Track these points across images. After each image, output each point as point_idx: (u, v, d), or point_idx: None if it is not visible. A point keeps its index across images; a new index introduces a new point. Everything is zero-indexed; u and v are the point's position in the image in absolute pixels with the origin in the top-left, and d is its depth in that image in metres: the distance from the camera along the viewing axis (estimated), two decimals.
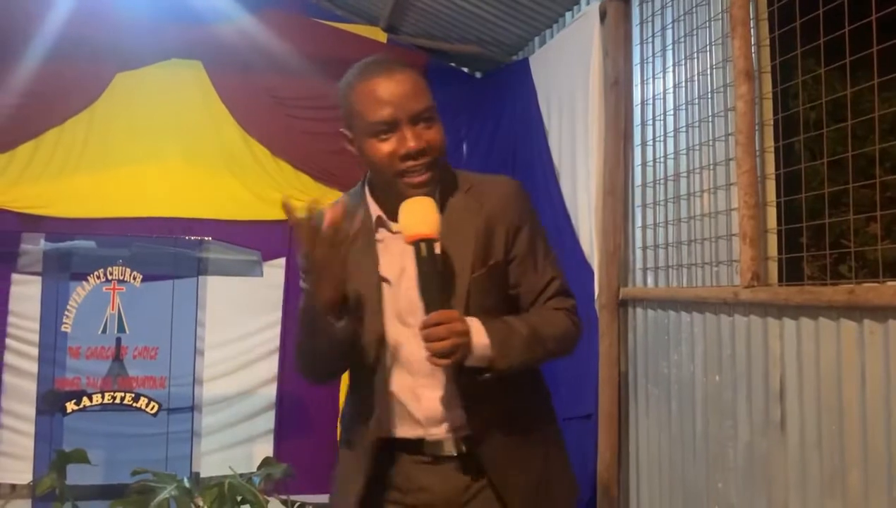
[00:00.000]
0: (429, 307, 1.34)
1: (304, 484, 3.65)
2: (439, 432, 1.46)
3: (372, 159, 1.40)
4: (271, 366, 4.24)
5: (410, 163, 1.37)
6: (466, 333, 1.33)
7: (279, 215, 4.54)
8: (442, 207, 1.43)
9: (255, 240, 4.06)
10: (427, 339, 1.31)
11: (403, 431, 1.47)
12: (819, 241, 2.23)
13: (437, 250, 1.38)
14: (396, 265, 1.46)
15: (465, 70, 4.74)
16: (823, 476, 2.03)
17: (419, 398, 1.45)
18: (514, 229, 1.48)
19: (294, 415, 4.18)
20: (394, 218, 1.45)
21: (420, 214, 1.35)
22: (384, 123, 1.37)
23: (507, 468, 1.47)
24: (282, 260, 4.28)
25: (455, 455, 1.46)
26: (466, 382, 1.42)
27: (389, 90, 1.37)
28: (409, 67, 1.43)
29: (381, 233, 1.49)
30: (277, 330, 4.26)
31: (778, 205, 2.32)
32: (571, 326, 1.52)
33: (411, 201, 1.37)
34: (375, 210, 1.50)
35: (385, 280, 1.46)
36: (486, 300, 1.44)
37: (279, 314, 4.26)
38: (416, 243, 1.34)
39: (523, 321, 1.44)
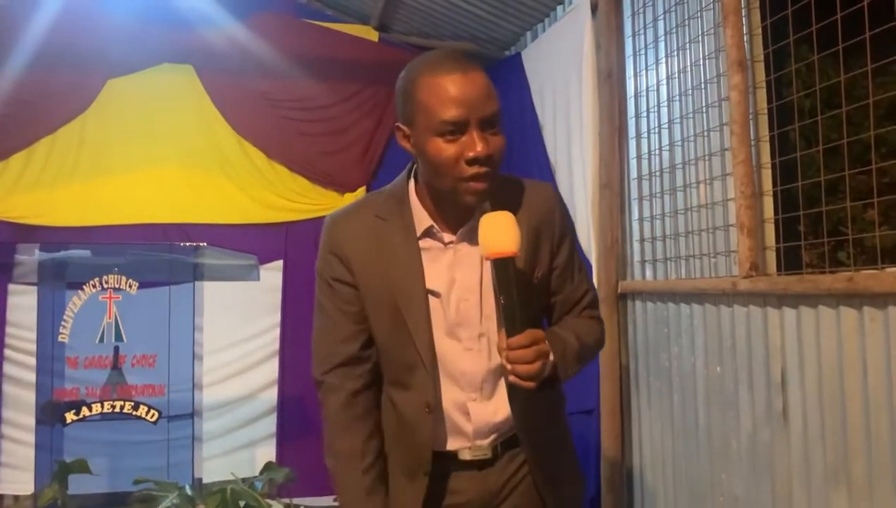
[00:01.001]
0: (511, 328, 1.27)
1: (306, 488, 3.65)
2: (484, 442, 1.46)
3: (434, 160, 1.30)
4: (272, 370, 4.23)
5: (476, 169, 1.27)
6: (549, 354, 1.32)
7: (276, 218, 4.56)
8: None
9: (251, 243, 4.06)
10: (514, 361, 1.26)
11: (452, 445, 1.45)
12: (817, 229, 2.22)
13: (440, 245, 1.40)
14: (445, 276, 1.40)
15: None
16: (827, 465, 2.02)
17: (469, 412, 1.44)
18: (558, 239, 1.48)
19: (296, 418, 4.17)
20: (445, 226, 1.41)
21: (502, 230, 1.27)
22: (453, 123, 1.26)
23: (545, 466, 1.50)
24: (279, 263, 4.27)
25: (491, 457, 1.47)
26: (519, 394, 1.42)
27: (463, 89, 1.26)
28: (480, 66, 1.32)
29: (427, 242, 1.41)
30: (276, 333, 4.25)
31: (774, 194, 2.31)
32: (602, 334, 1.58)
33: (492, 215, 1.29)
34: (423, 217, 1.41)
35: (433, 292, 1.40)
36: (532, 310, 1.43)
37: (278, 317, 4.25)
38: (498, 261, 1.27)
39: (570, 332, 1.45)
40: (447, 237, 1.41)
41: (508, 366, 1.27)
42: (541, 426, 1.50)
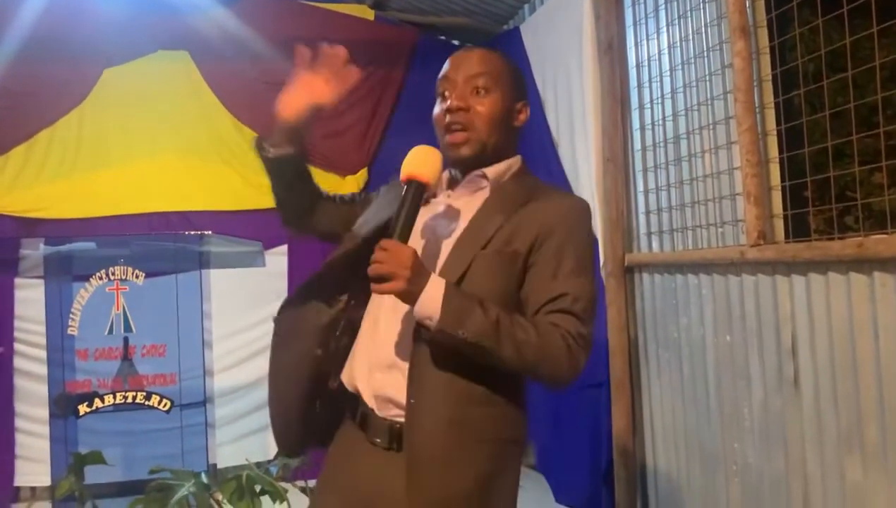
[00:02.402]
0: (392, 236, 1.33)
1: (320, 469, 3.66)
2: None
3: (433, 119, 1.50)
4: None
5: (450, 118, 1.44)
6: (408, 268, 1.27)
7: None
8: (492, 190, 1.46)
9: (254, 229, 4.04)
10: (371, 263, 1.29)
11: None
12: (824, 195, 2.20)
13: (425, 196, 1.41)
14: (419, 225, 1.43)
15: (456, 43, 4.68)
16: (840, 431, 2.02)
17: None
18: (546, 232, 1.39)
19: None
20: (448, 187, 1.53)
21: (421, 158, 1.38)
22: (441, 84, 1.48)
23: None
24: (283, 248, 4.25)
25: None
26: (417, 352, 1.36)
27: (456, 59, 1.48)
28: (494, 50, 1.51)
29: (435, 198, 1.52)
30: None
31: (781, 162, 2.29)
32: (562, 347, 1.32)
33: (420, 147, 1.40)
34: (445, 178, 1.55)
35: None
36: (486, 282, 1.36)
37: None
38: (408, 182, 1.36)
39: (501, 310, 1.32)
40: (439, 195, 1.52)
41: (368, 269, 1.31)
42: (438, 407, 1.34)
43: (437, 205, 1.50)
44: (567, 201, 1.48)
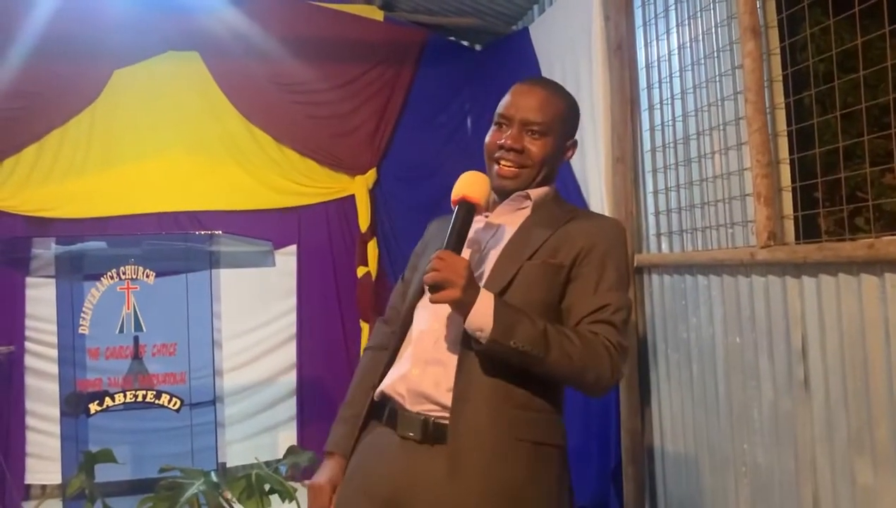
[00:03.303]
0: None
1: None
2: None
3: (485, 141, 1.57)
4: (289, 354, 4.25)
5: (502, 154, 1.52)
6: (462, 277, 1.32)
7: (287, 203, 4.54)
8: (533, 209, 1.53)
9: (264, 228, 4.07)
10: (427, 271, 1.35)
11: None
12: (834, 196, 2.20)
13: (475, 217, 1.45)
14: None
15: (465, 43, 4.68)
16: (851, 433, 2.02)
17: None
18: (588, 247, 1.46)
19: (315, 401, 4.20)
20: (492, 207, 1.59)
21: (471, 181, 1.45)
22: (501, 116, 1.55)
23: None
24: (293, 247, 4.27)
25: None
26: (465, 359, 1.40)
27: (519, 94, 1.55)
28: (556, 89, 1.58)
29: (483, 215, 1.59)
30: (293, 317, 4.27)
31: (791, 162, 2.29)
32: (604, 356, 1.38)
33: (469, 172, 1.47)
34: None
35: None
36: (531, 292, 1.42)
37: (293, 301, 4.27)
38: (459, 203, 1.42)
39: (546, 321, 1.37)
40: (485, 213, 1.58)
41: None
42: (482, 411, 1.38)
43: (480, 221, 1.56)
44: (607, 221, 1.58)
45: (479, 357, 1.39)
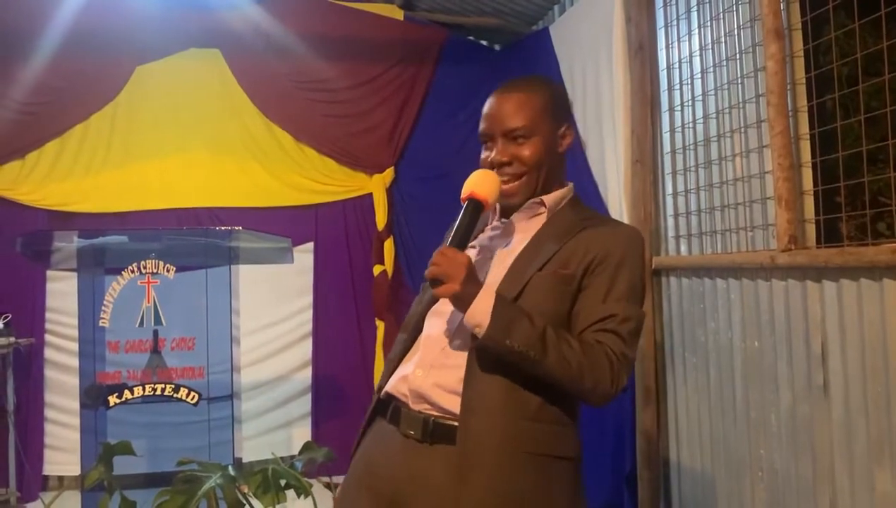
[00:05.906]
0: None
1: (343, 465, 3.69)
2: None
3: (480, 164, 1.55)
4: (305, 351, 4.28)
5: (497, 171, 1.50)
6: (462, 272, 1.33)
7: (305, 200, 4.55)
8: (549, 216, 1.52)
9: (282, 226, 4.09)
10: (429, 266, 1.37)
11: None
12: (856, 200, 2.17)
13: (482, 214, 1.46)
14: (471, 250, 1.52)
15: (485, 43, 4.68)
16: (871, 440, 2.00)
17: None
18: (602, 256, 1.43)
19: (330, 397, 4.22)
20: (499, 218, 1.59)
21: (480, 179, 1.45)
22: (482, 135, 1.53)
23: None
24: (310, 245, 4.30)
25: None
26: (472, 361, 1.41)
27: (492, 107, 1.52)
28: (529, 85, 1.54)
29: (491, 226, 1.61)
30: (309, 314, 4.30)
31: (813, 166, 2.27)
32: (605, 364, 1.35)
33: (480, 171, 1.48)
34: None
35: None
36: (541, 302, 1.40)
37: (310, 298, 4.29)
38: (467, 199, 1.43)
39: (548, 324, 1.36)
40: (494, 222, 1.59)
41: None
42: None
43: (497, 228, 1.57)
44: (623, 229, 1.54)
45: (489, 364, 1.38)
